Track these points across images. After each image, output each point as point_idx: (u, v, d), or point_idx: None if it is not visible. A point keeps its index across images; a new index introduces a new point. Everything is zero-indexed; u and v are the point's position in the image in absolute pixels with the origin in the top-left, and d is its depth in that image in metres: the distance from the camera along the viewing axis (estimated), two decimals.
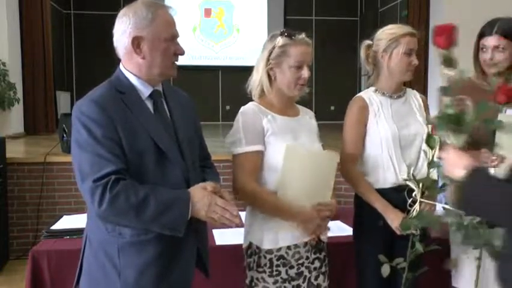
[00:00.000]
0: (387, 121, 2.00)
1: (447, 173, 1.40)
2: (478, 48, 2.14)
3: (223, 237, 2.39)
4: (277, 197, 1.75)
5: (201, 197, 1.47)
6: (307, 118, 1.96)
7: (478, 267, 2.04)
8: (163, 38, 1.51)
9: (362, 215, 2.06)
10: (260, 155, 1.79)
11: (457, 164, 1.35)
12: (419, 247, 1.82)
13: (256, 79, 1.87)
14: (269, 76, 1.84)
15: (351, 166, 2.03)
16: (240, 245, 2.25)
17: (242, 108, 1.85)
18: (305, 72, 1.79)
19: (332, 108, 9.75)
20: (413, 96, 2.13)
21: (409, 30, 2.02)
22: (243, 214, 1.98)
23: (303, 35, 1.82)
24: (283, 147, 1.73)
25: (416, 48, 2.02)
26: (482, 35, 2.12)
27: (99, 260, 1.52)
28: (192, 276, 1.64)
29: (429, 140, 1.85)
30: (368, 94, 2.08)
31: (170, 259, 1.53)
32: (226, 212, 1.47)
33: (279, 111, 1.85)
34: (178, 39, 1.58)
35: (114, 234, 1.49)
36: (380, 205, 1.95)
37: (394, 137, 1.97)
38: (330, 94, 9.83)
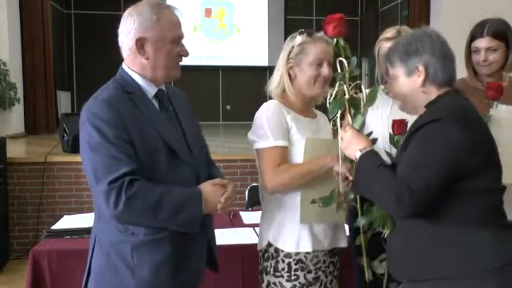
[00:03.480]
0: (381, 119, 2.03)
1: (344, 152, 1.55)
2: (469, 51, 2.16)
3: (223, 237, 2.39)
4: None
5: (212, 192, 1.50)
6: (324, 121, 1.96)
7: None
8: (168, 39, 1.50)
9: (355, 213, 2.03)
10: (286, 150, 1.76)
11: (352, 145, 1.51)
12: None
13: (276, 79, 1.85)
14: (290, 76, 1.82)
15: None
16: (240, 245, 2.26)
17: (265, 104, 1.83)
18: (325, 70, 1.77)
19: None
20: None
21: (386, 36, 2.08)
22: (258, 214, 1.98)
23: (322, 34, 1.80)
24: (303, 140, 1.72)
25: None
26: (473, 37, 2.13)
27: (111, 261, 1.51)
28: (204, 271, 1.65)
29: (392, 140, 1.86)
30: None
31: (184, 255, 1.54)
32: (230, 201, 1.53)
33: (299, 112, 1.84)
34: (183, 40, 1.58)
35: (127, 234, 1.48)
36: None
37: (383, 135, 1.97)
38: None
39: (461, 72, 2.26)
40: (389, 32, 2.07)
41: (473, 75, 2.19)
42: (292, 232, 1.77)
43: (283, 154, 1.75)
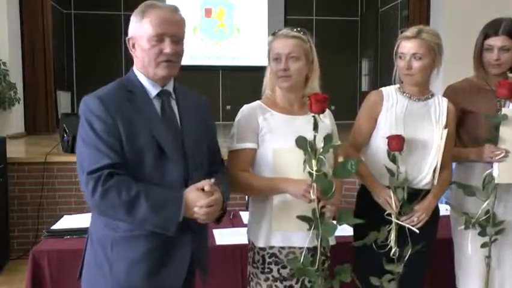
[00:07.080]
0: (396, 120, 1.97)
1: None
2: (481, 48, 2.11)
3: (223, 237, 2.39)
4: (268, 177, 1.78)
5: (194, 198, 1.47)
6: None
7: (488, 265, 2.03)
8: (147, 36, 1.53)
9: (363, 210, 2.02)
10: (251, 152, 1.82)
11: None
12: None
13: (266, 77, 1.91)
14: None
15: (352, 152, 2.07)
16: (240, 245, 2.27)
17: (243, 106, 1.89)
18: (280, 65, 1.79)
19: (333, 107, 9.72)
20: (438, 103, 2.03)
21: (406, 34, 1.99)
22: (246, 214, 1.99)
23: (288, 30, 1.83)
24: (277, 140, 1.77)
25: (417, 51, 1.94)
26: (487, 35, 2.09)
27: (96, 254, 1.56)
28: (184, 275, 1.59)
29: (389, 156, 1.87)
30: (389, 89, 2.06)
31: (162, 256, 1.54)
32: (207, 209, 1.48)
33: (281, 110, 1.85)
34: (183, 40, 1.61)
35: (109, 228, 1.52)
36: (370, 183, 1.99)
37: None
38: (330, 94, 9.79)
39: (464, 72, 2.25)
40: (410, 31, 1.97)
41: (484, 74, 2.13)
42: (266, 228, 1.80)
43: (246, 156, 1.82)
